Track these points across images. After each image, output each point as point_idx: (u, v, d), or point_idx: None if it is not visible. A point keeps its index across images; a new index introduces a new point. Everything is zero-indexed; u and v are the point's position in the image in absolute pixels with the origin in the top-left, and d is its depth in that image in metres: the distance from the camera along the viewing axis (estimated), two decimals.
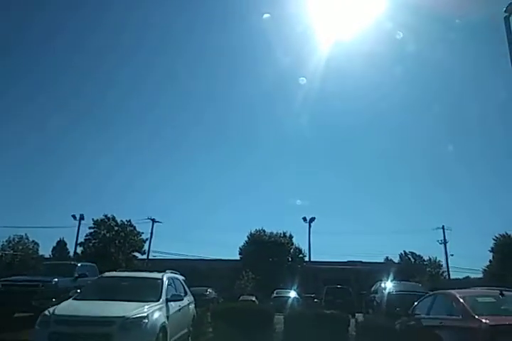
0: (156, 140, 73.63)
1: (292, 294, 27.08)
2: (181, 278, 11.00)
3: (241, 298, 33.95)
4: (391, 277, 20.20)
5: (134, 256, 45.69)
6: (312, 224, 43.74)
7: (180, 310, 9.22)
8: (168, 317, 8.25)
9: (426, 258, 57.41)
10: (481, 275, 51.95)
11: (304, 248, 47.94)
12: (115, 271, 10.91)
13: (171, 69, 67.03)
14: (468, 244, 71.45)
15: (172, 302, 8.77)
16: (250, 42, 63.46)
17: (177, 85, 70.28)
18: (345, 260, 51.06)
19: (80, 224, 42.73)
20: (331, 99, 64.71)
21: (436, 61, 53.01)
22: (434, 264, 57.40)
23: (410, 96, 63.37)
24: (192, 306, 10.89)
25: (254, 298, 33.85)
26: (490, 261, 53.54)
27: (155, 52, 64.90)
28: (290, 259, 48.89)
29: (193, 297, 11.44)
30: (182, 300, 9.06)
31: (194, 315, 11.01)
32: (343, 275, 44.53)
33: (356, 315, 22.28)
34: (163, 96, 70.89)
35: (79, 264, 15.95)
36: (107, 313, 7.20)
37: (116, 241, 44.03)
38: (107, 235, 44.09)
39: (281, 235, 49.39)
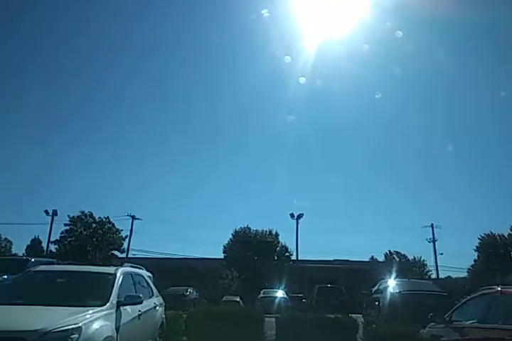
0: (141, 139, 70.51)
1: (280, 294, 24.72)
2: (146, 274, 8.48)
3: (224, 298, 31.68)
4: (394, 275, 17.83)
5: (113, 254, 42.75)
6: (299, 221, 41.73)
7: (140, 316, 6.71)
8: (118, 327, 5.73)
9: (410, 257, 56.59)
10: (463, 275, 50.70)
11: (291, 246, 45.83)
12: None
13: (158, 71, 64.53)
14: (459, 243, 70.47)
15: (128, 307, 6.26)
16: (240, 40, 61.36)
17: (168, 83, 67.50)
18: (332, 258, 49.03)
19: (52, 220, 39.72)
20: (323, 99, 62.93)
21: (433, 61, 51.54)
22: (419, 264, 56.30)
23: (401, 95, 61.87)
24: (160, 310, 8.36)
25: (238, 299, 31.69)
26: (475, 261, 53.14)
27: (144, 53, 62.16)
28: (276, 258, 46.47)
29: (163, 298, 8.92)
30: (141, 303, 6.50)
31: (163, 322, 8.49)
32: (331, 275, 42.30)
33: (350, 315, 20.23)
34: (153, 95, 68.04)
35: (32, 259, 13.32)
36: (14, 326, 4.63)
37: (94, 239, 41.07)
38: (84, 233, 41.09)
39: (267, 233, 46.99)
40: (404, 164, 70.79)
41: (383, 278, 14.82)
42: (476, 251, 54.98)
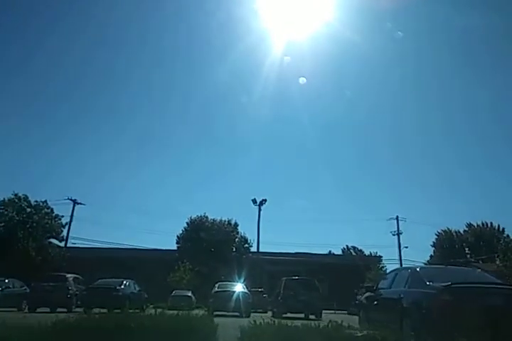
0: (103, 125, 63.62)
1: (239, 288, 19.43)
2: None
3: (174, 292, 26.33)
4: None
5: (50, 242, 35.97)
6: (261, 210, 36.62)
7: None
8: None
9: (367, 252, 55.36)
10: None
11: (251, 237, 40.73)
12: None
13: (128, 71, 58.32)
14: (425, 236, 68.79)
15: None
16: (209, 40, 56.60)
17: (139, 79, 61.77)
18: (293, 251, 44.55)
19: None
20: (289, 94, 59.15)
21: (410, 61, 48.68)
22: (374, 259, 54.29)
23: (373, 93, 59.08)
24: None
25: (190, 293, 26.51)
26: (431, 256, 51.32)
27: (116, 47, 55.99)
28: (234, 249, 41.14)
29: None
30: None
31: None
32: (292, 268, 37.74)
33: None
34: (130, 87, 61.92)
35: None
36: None
37: (27, 225, 34.17)
38: (16, 218, 34.11)
39: (226, 222, 41.56)
40: (375, 156, 67.77)
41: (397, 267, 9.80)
42: (432, 246, 53.64)
